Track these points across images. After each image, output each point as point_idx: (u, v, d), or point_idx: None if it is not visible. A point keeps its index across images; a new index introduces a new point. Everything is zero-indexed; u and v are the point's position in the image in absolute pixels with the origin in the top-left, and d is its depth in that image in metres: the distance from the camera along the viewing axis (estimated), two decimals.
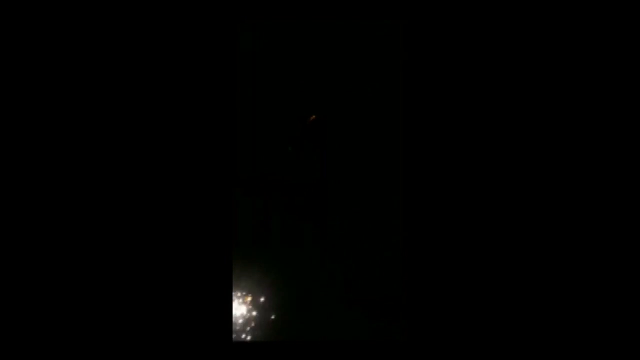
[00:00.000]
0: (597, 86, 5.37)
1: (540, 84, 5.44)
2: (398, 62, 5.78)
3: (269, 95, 5.83)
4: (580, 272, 5.25)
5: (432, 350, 5.14)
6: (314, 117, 5.85)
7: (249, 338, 5.62)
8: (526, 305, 5.24)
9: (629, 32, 5.34)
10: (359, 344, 5.29)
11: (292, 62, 5.87)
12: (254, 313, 5.98)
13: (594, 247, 5.26)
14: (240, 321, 5.90)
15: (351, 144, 5.87)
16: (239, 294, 5.96)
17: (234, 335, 5.66)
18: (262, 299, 5.96)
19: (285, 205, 6.08)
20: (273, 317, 5.70)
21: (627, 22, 5.34)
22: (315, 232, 5.99)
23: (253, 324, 5.96)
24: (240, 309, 5.80)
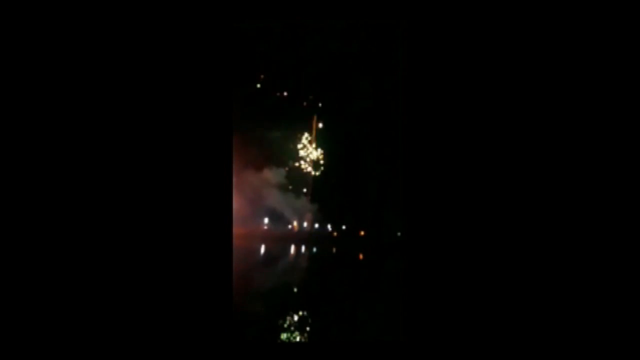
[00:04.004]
0: (596, 88, 5.52)
1: (538, 83, 5.62)
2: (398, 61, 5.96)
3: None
4: (577, 272, 5.52)
5: (430, 350, 5.50)
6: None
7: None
8: (523, 304, 5.54)
9: (629, 33, 5.44)
10: (359, 344, 5.71)
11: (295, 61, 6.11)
12: None
13: (590, 248, 5.50)
14: None
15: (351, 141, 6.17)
16: None
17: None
18: None
19: None
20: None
21: (626, 23, 5.44)
22: None
23: None
24: None
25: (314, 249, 17.83)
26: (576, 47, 5.59)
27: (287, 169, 16.91)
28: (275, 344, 6.01)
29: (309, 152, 16.15)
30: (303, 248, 17.86)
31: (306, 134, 15.84)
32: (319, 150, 16.17)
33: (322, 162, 16.41)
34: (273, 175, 16.59)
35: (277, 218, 17.39)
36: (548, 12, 5.58)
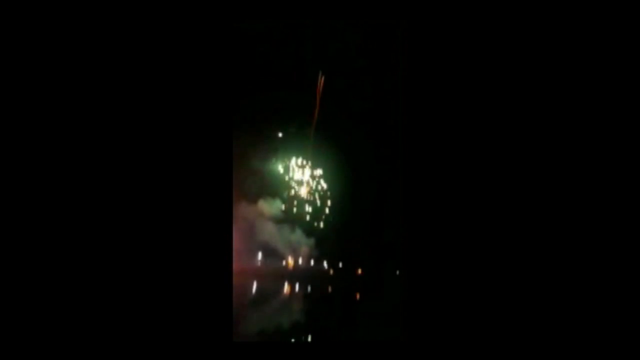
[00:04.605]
0: (596, 88, 5.62)
1: (537, 83, 5.72)
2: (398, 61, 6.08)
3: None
4: (578, 271, 5.51)
5: (431, 350, 5.44)
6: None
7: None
8: (522, 304, 5.51)
9: (629, 33, 5.57)
10: (359, 344, 5.63)
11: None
12: None
13: (591, 247, 5.51)
14: None
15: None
16: None
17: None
18: None
19: None
20: None
21: (627, 23, 5.57)
22: None
23: None
24: None
25: (309, 288, 17.58)
26: (576, 47, 5.71)
27: (283, 200, 16.75)
28: (275, 344, 5.91)
29: (305, 167, 15.97)
30: (297, 286, 17.60)
31: (301, 158, 15.74)
32: (318, 172, 16.04)
33: (318, 179, 16.26)
34: (268, 206, 16.42)
35: (271, 253, 17.14)
36: (548, 12, 5.72)
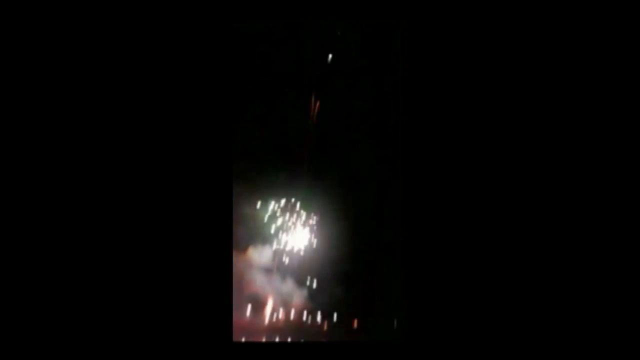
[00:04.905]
0: (595, 88, 5.66)
1: (537, 83, 5.76)
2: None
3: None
4: (578, 271, 5.42)
5: (430, 350, 5.28)
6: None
7: None
8: (522, 305, 5.40)
9: (629, 33, 5.66)
10: (358, 344, 5.45)
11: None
12: None
13: (591, 247, 5.44)
14: None
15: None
16: None
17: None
18: None
19: None
20: None
21: (627, 23, 5.67)
22: None
23: None
24: None
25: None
26: (576, 47, 5.78)
27: (274, 247, 16.32)
28: (275, 344, 5.74)
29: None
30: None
31: (293, 200, 15.42)
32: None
33: (312, 226, 15.92)
34: (258, 255, 16.02)
35: (260, 306, 16.58)
36: (548, 12, 5.81)
